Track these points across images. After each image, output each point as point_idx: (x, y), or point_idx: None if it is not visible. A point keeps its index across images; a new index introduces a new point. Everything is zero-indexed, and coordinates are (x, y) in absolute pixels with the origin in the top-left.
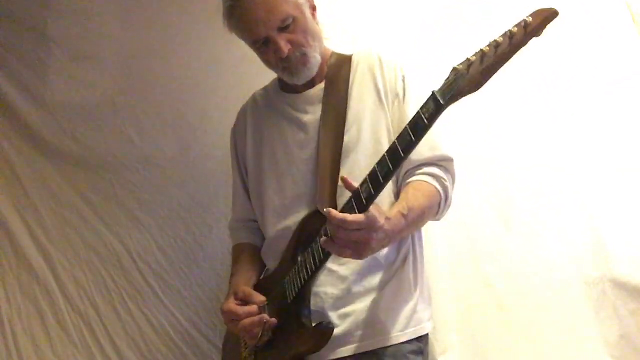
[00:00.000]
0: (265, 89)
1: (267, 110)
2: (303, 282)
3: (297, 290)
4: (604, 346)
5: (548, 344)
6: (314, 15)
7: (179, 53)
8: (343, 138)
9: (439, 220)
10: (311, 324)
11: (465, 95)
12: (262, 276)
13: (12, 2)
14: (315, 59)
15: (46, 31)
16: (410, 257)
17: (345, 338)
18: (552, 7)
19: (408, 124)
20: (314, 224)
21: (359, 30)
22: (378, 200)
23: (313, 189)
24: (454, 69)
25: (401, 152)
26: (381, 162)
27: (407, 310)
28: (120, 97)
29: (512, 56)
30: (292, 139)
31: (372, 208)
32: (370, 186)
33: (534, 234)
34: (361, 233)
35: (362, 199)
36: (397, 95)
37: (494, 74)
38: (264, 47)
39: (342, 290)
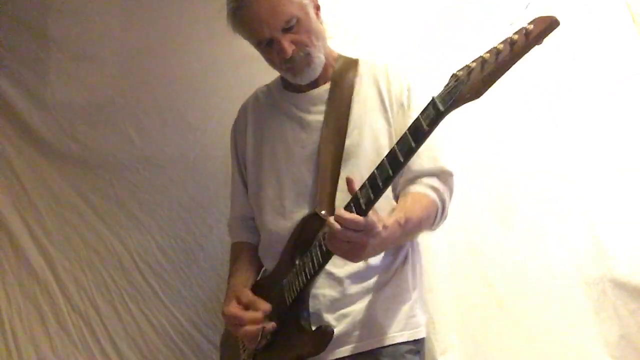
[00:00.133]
0: (268, 86)
1: (269, 108)
2: (302, 285)
3: (295, 293)
4: (604, 346)
5: (548, 344)
6: (317, 14)
7: (179, 53)
8: (345, 141)
9: (433, 231)
10: (310, 327)
11: (465, 103)
12: (260, 276)
13: (12, 2)
14: (319, 59)
15: (46, 31)
16: (410, 260)
17: (343, 338)
18: (552, 15)
19: (408, 129)
20: (312, 225)
21: (361, 30)
22: (378, 203)
23: (312, 190)
24: (454, 75)
25: (401, 158)
26: (381, 167)
27: (404, 312)
28: (120, 97)
29: (512, 64)
30: (293, 137)
31: (370, 213)
32: (370, 191)
33: (534, 234)
34: (358, 235)
35: (361, 203)
36: (401, 104)
37: (495, 81)
38: (268, 47)
39: (339, 292)
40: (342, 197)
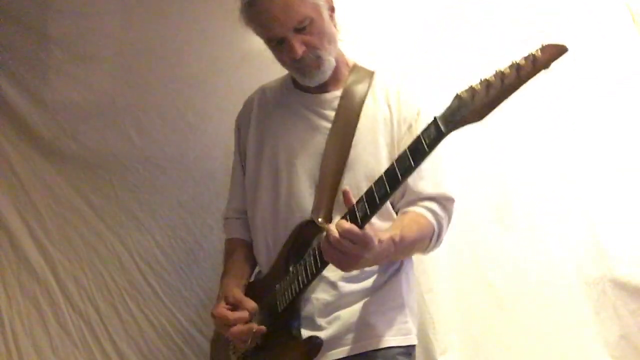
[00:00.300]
0: (277, 82)
1: (276, 104)
2: (294, 294)
3: (287, 301)
4: (604, 346)
5: (548, 344)
6: (332, 17)
7: (179, 53)
8: (349, 152)
9: (425, 254)
10: (300, 336)
11: (466, 125)
12: (254, 277)
13: (12, 2)
14: (329, 62)
15: (46, 31)
16: (404, 266)
17: (335, 341)
18: (562, 43)
19: (408, 148)
20: (308, 232)
21: (362, 30)
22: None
23: (310, 196)
24: (457, 96)
25: (399, 176)
26: (378, 183)
27: (398, 316)
28: (120, 97)
29: (517, 89)
30: (296, 136)
31: (367, 227)
32: (366, 205)
33: (534, 234)
34: (354, 247)
35: (358, 217)
36: (410, 126)
37: (498, 106)
38: (279, 45)
39: (332, 296)
40: (339, 207)
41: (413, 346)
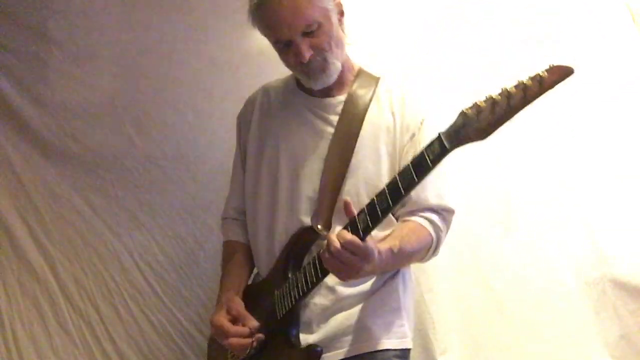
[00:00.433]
0: (280, 82)
1: (279, 104)
2: (293, 301)
3: (287, 308)
4: (604, 346)
5: (548, 344)
6: (341, 21)
7: (179, 53)
8: (351, 159)
9: (423, 263)
10: (299, 344)
11: (470, 142)
12: (252, 280)
13: (12, 2)
14: (335, 65)
15: (46, 31)
16: (401, 270)
17: (332, 343)
18: (569, 65)
19: (411, 162)
20: (307, 238)
21: (362, 30)
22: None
23: (310, 201)
24: (462, 113)
25: (402, 190)
26: (380, 195)
27: (394, 319)
28: (120, 97)
29: (522, 109)
30: (300, 141)
31: (368, 239)
32: (368, 218)
33: (534, 234)
34: (355, 258)
35: (359, 229)
36: (412, 135)
37: (502, 125)
38: (286, 47)
39: (331, 300)
40: (339, 214)
41: (408, 350)
